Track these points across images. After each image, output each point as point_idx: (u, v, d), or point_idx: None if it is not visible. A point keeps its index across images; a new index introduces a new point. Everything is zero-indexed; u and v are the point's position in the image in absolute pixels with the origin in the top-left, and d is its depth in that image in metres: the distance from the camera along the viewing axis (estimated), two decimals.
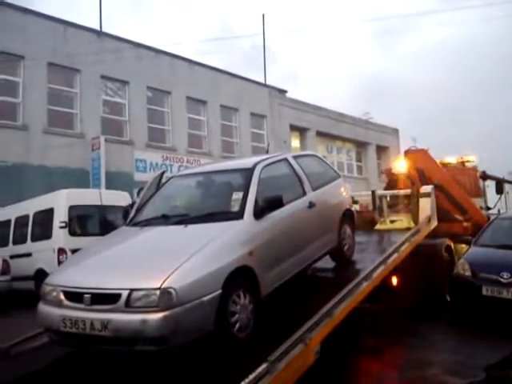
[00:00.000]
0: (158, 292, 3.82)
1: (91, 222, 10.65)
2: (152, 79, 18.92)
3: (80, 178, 15.69)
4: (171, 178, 6.36)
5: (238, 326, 4.26)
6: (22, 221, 11.01)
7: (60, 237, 9.73)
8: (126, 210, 6.16)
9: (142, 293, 3.85)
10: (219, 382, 3.83)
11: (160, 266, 4.11)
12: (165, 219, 5.20)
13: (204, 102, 21.01)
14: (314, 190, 5.94)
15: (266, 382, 3.61)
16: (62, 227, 9.74)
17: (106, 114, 17.89)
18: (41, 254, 10.01)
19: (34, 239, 10.50)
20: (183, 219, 5.02)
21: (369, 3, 70.48)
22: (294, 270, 5.30)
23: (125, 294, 3.87)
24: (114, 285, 4.02)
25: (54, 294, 4.29)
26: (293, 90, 66.44)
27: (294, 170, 5.91)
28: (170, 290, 3.82)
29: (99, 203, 10.35)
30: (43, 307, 4.38)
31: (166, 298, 3.80)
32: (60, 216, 9.85)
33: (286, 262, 5.13)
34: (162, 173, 6.64)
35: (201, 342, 4.02)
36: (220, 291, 4.09)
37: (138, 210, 5.75)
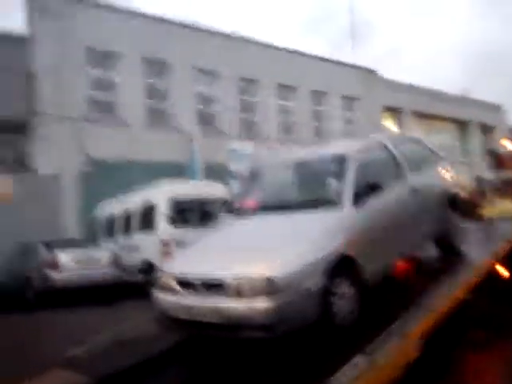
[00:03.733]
0: (263, 280, 3.96)
1: (191, 213, 11.01)
2: (242, 69, 19.17)
3: (179, 171, 16.30)
4: (268, 166, 6.45)
5: (341, 314, 4.29)
6: (127, 214, 11.69)
7: (163, 229, 10.20)
8: (227, 201, 6.37)
9: (248, 281, 4.02)
10: (317, 371, 3.86)
11: (265, 255, 4.26)
12: (265, 208, 5.36)
13: (294, 88, 20.95)
14: (414, 174, 5.74)
15: (364, 375, 3.60)
16: (164, 219, 10.23)
17: (200, 106, 18.43)
18: (146, 245, 10.57)
19: (139, 232, 11.11)
20: (283, 208, 5.12)
21: None
22: (396, 257, 5.21)
23: (233, 281, 4.06)
24: (223, 273, 4.21)
25: (169, 281, 4.58)
26: (389, 69, 63.89)
27: (392, 154, 5.76)
28: (276, 278, 3.95)
29: (198, 194, 10.70)
30: (159, 294, 4.69)
31: (270, 286, 3.93)
32: (162, 209, 10.34)
33: (388, 249, 5.04)
34: (257, 162, 6.74)
35: (304, 330, 4.10)
36: (323, 279, 4.15)
37: (239, 200, 5.99)
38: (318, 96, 21.94)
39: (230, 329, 4.12)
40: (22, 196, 14.04)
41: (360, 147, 5.46)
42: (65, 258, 9.96)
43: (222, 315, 4.09)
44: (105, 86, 16.60)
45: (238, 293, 4.04)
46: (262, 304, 3.93)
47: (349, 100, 23.05)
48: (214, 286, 4.19)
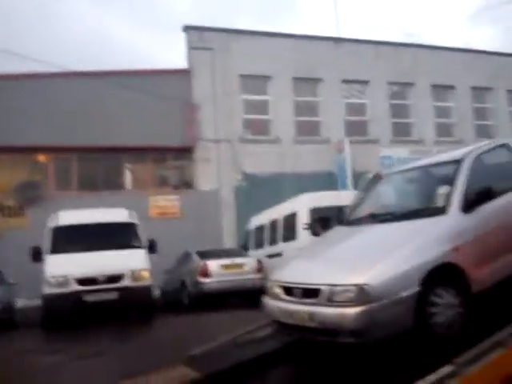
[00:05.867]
0: (354, 288, 4.11)
1: (331, 223, 11.13)
2: (392, 74, 18.75)
3: (328, 181, 16.58)
4: (385, 175, 6.47)
5: (441, 323, 4.22)
6: (274, 224, 12.29)
7: (303, 238, 10.54)
8: (342, 211, 6.57)
9: (340, 288, 4.21)
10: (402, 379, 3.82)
11: (359, 264, 4.42)
12: (372, 218, 5.50)
13: (451, 87, 19.75)
14: None
15: None
16: (304, 229, 10.55)
17: (349, 117, 18.50)
18: (289, 253, 10.98)
19: (283, 240, 11.61)
20: (389, 217, 5.20)
21: None
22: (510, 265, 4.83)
23: (326, 289, 4.29)
24: (318, 281, 4.47)
25: (275, 288, 4.96)
26: None
27: None
28: (366, 286, 4.07)
29: (338, 204, 10.78)
30: (267, 300, 5.10)
31: (361, 294, 4.07)
32: (302, 218, 10.68)
33: (502, 259, 4.75)
34: (376, 175, 6.77)
35: (402, 337, 4.12)
36: (418, 288, 4.14)
37: (352, 210, 6.11)
38: (481, 93, 20.32)
39: (327, 333, 4.32)
40: (187, 211, 15.76)
41: (477, 151, 5.22)
42: (213, 265, 10.87)
43: (318, 320, 4.31)
44: (258, 107, 17.67)
45: (332, 299, 4.22)
46: (351, 311, 4.07)
47: None
48: (311, 293, 4.43)
